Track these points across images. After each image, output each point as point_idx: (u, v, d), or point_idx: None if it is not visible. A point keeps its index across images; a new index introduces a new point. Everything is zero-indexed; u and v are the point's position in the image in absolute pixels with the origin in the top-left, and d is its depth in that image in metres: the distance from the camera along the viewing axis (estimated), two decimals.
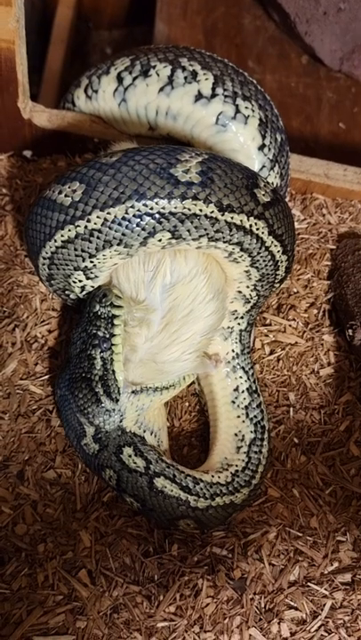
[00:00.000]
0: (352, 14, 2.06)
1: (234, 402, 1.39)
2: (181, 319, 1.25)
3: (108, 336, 1.23)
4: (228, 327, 1.40)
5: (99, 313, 1.23)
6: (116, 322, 1.22)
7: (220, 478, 1.29)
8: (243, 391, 1.39)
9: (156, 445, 1.29)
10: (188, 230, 1.16)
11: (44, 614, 1.18)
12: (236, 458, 1.33)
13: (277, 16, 2.18)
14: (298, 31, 2.12)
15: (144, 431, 1.28)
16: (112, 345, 1.23)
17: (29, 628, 1.16)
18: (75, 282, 1.26)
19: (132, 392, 1.26)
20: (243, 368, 1.41)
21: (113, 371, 1.23)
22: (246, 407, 1.38)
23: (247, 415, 1.37)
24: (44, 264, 1.27)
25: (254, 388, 1.40)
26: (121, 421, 1.25)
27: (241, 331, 1.41)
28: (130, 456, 1.24)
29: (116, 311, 1.23)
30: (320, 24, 2.09)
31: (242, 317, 1.40)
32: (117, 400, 1.24)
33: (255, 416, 1.37)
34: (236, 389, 1.39)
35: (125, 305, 1.23)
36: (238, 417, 1.37)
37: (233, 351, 1.41)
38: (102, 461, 1.25)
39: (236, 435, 1.36)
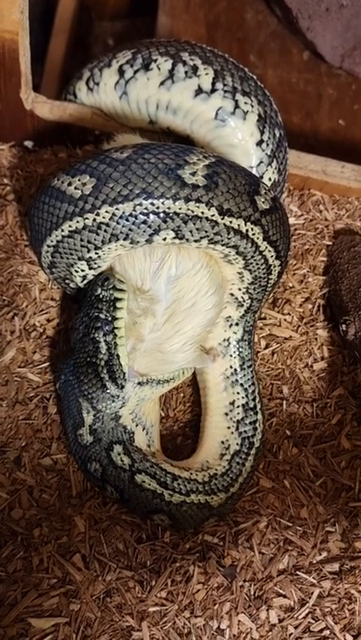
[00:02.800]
0: (354, 11, 2.07)
1: (227, 414, 1.38)
2: (184, 311, 1.26)
3: (110, 319, 1.22)
4: (225, 340, 1.39)
5: (100, 296, 1.23)
6: (118, 305, 1.22)
7: (198, 476, 1.30)
8: (238, 406, 1.38)
9: (146, 444, 1.30)
10: (191, 231, 1.18)
11: (38, 597, 1.20)
12: (218, 463, 1.34)
13: (280, 11, 2.19)
14: (300, 27, 2.12)
15: (137, 425, 1.29)
16: (114, 328, 1.22)
17: (24, 610, 1.19)
18: (77, 271, 1.27)
19: (138, 383, 1.27)
20: (242, 385, 1.39)
21: (117, 355, 1.22)
22: (238, 422, 1.37)
23: (237, 429, 1.37)
24: (47, 252, 1.28)
25: (252, 406, 1.38)
26: (121, 407, 1.26)
27: (238, 341, 1.40)
28: (119, 454, 1.26)
29: (119, 294, 1.22)
30: (322, 20, 2.09)
31: (237, 324, 1.39)
32: (123, 386, 1.24)
33: (245, 431, 1.37)
34: (232, 403, 1.39)
35: (130, 292, 1.24)
36: (228, 428, 1.37)
37: (231, 367, 1.40)
38: (92, 454, 1.27)
39: (222, 442, 1.37)
